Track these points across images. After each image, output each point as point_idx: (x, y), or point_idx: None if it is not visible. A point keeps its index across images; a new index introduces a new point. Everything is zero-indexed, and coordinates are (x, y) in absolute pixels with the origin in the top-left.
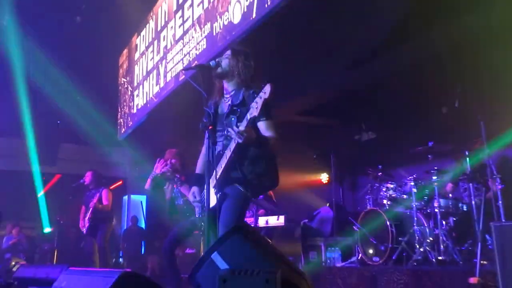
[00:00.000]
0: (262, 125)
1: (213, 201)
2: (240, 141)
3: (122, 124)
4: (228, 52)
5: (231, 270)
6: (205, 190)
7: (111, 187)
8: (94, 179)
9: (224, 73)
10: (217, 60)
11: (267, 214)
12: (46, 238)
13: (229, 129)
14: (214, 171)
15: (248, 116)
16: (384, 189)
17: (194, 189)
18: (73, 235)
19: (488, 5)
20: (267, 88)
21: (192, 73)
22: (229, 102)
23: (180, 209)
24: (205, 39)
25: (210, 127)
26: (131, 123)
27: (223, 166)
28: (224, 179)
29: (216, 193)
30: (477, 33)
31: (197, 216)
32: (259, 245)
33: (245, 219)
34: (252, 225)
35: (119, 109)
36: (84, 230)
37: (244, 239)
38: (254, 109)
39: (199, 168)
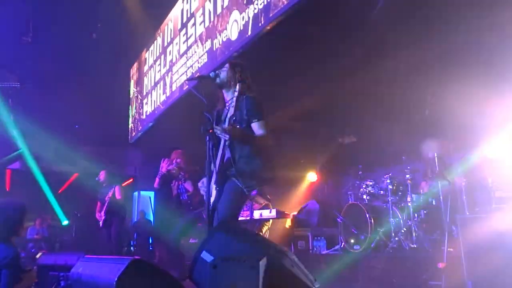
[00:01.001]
0: (255, 126)
1: (214, 197)
2: (226, 137)
3: (132, 128)
4: (227, 65)
5: (220, 258)
6: (207, 188)
7: (123, 184)
8: (107, 177)
9: (223, 83)
10: (216, 71)
11: (261, 208)
12: (65, 230)
13: (217, 127)
14: (214, 169)
15: (228, 115)
16: (363, 186)
17: (204, 179)
18: (89, 226)
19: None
20: (237, 88)
21: (194, 83)
22: (227, 108)
23: (184, 203)
24: (206, 54)
25: (210, 131)
26: (140, 127)
27: (219, 163)
28: (222, 176)
29: (216, 189)
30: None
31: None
32: (241, 236)
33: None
34: (248, 218)
35: (130, 115)
36: (100, 222)
37: (227, 234)
38: (231, 108)
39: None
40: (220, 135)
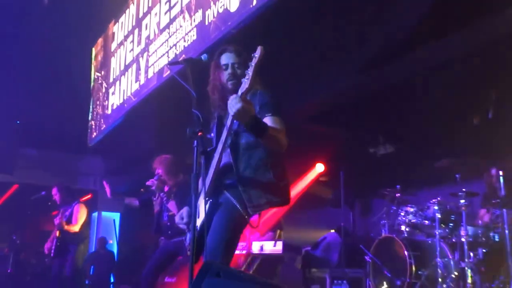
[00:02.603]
0: (268, 121)
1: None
2: (235, 110)
3: (93, 126)
4: (231, 48)
5: None
6: (194, 207)
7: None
8: (62, 195)
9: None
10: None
11: (261, 238)
12: None
13: (234, 96)
14: (205, 182)
15: (239, 92)
16: (402, 213)
17: (184, 210)
18: (33, 257)
19: None
20: (258, 52)
21: (179, 68)
22: None
23: (163, 227)
24: (195, 29)
25: (199, 134)
26: (104, 126)
27: (215, 167)
28: (215, 188)
29: (205, 204)
30: None
31: (186, 243)
32: (241, 281)
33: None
34: (244, 252)
35: (91, 109)
36: (51, 252)
37: (221, 276)
38: (245, 82)
39: None
40: (231, 109)
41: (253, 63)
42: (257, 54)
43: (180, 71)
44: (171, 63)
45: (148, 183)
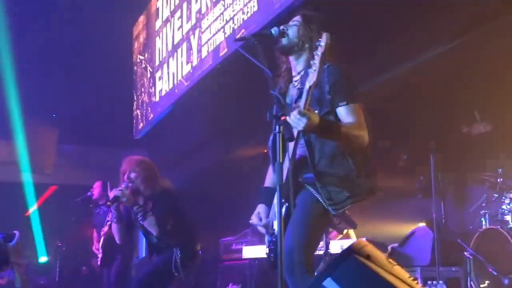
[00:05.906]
0: (342, 111)
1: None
2: (300, 126)
3: (139, 117)
4: (298, 17)
5: None
6: (278, 207)
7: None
8: (105, 192)
9: (291, 46)
10: (281, 28)
11: (341, 237)
12: (43, 270)
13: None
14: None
15: (307, 85)
16: (506, 201)
17: (260, 208)
18: (79, 265)
19: None
20: (323, 39)
21: (240, 44)
22: (299, 86)
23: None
24: None
25: (282, 118)
26: (151, 115)
27: (288, 168)
28: (292, 185)
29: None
30: None
31: (266, 250)
32: (384, 270)
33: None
34: (323, 251)
35: (135, 97)
36: (98, 261)
37: (364, 262)
38: (313, 73)
39: (268, 180)
40: (293, 123)
41: (319, 52)
42: (323, 42)
43: (244, 47)
44: (239, 39)
45: (115, 193)
